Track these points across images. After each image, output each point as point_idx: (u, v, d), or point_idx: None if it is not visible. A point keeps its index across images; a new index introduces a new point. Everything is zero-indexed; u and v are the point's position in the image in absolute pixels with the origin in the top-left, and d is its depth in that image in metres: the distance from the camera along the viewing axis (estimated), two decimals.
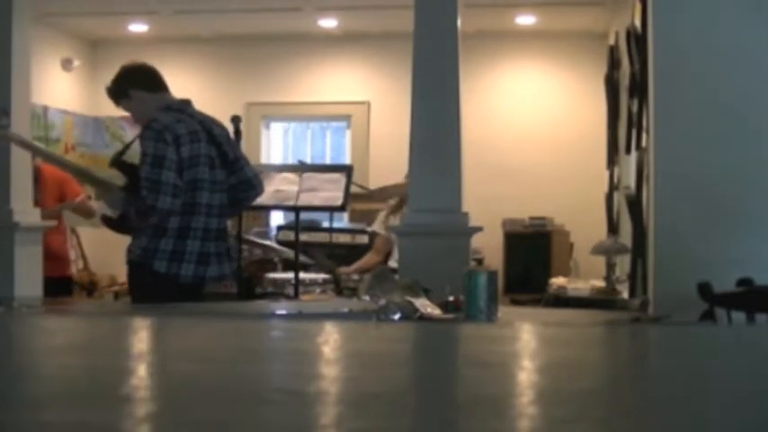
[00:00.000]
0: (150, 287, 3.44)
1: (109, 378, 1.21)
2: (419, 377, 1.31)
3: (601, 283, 5.37)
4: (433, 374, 1.31)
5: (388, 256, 5.38)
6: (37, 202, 5.29)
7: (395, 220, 5.22)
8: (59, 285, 5.53)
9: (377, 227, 5.60)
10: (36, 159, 5.26)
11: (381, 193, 5.63)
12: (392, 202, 5.57)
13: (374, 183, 6.93)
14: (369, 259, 5.45)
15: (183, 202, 3.43)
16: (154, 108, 3.52)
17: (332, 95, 8.32)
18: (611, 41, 6.82)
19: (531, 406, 1.08)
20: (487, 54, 7.84)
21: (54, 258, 5.48)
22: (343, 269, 5.33)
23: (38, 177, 5.34)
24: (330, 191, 4.61)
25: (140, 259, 3.44)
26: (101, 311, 3.13)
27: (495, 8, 7.32)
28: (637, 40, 5.03)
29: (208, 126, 3.57)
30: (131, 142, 3.64)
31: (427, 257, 4.10)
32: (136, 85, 3.59)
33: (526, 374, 1.32)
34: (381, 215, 5.60)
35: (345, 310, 2.65)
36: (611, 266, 5.30)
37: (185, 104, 3.60)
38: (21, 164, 4.95)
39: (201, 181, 3.49)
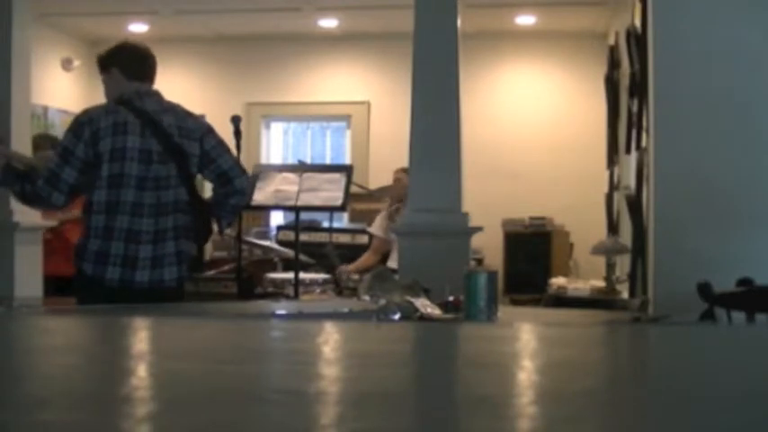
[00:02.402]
0: (81, 289, 3.30)
1: (109, 378, 1.21)
2: (419, 377, 1.30)
3: (601, 283, 5.37)
4: (433, 374, 1.31)
5: (386, 256, 5.38)
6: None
7: (393, 223, 5.21)
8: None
9: (374, 229, 5.61)
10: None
11: (381, 193, 5.63)
12: (387, 205, 5.57)
13: (374, 183, 6.93)
14: (366, 259, 5.46)
15: (108, 200, 3.21)
16: (117, 95, 3.37)
17: (332, 95, 8.32)
18: (611, 41, 6.82)
19: (531, 406, 1.08)
20: (487, 54, 7.84)
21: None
22: (343, 267, 5.34)
23: None
24: (330, 191, 4.61)
25: (75, 260, 3.31)
26: (100, 311, 3.12)
27: (495, 8, 7.32)
28: (637, 40, 5.03)
29: (155, 117, 3.30)
30: None
31: (427, 257, 4.10)
32: (117, 64, 3.43)
33: (526, 374, 1.32)
34: (379, 219, 5.60)
35: (345, 310, 2.64)
36: (611, 266, 5.31)
37: (140, 95, 3.36)
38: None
39: (127, 177, 3.22)
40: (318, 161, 8.41)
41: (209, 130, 3.45)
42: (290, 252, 5.27)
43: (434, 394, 1.14)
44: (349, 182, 4.66)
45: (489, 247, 7.10)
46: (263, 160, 8.29)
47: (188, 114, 3.43)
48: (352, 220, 7.41)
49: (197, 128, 3.40)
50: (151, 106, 3.34)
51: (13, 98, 4.88)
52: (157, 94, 3.42)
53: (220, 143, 3.45)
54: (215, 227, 3.52)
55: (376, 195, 6.01)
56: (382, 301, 2.45)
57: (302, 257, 5.01)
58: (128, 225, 3.22)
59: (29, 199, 3.37)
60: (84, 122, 3.29)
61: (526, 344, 1.77)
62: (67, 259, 5.49)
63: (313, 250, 5.73)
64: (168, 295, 3.25)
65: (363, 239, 6.07)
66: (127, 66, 3.42)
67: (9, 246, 4.85)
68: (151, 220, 3.24)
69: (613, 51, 6.59)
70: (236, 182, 3.42)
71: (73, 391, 1.14)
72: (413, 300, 2.45)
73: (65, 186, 3.25)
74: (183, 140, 3.33)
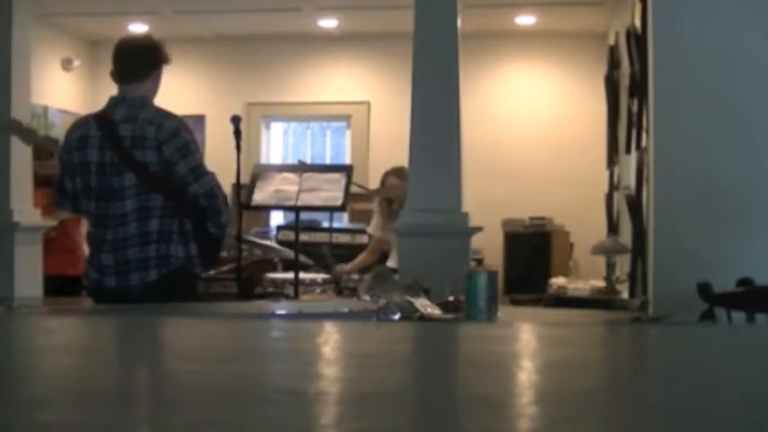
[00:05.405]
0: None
1: (109, 378, 1.21)
2: (419, 377, 1.30)
3: (601, 283, 5.37)
4: (433, 374, 1.30)
5: (384, 256, 5.38)
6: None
7: (389, 223, 5.20)
8: (73, 284, 5.57)
9: (372, 229, 5.61)
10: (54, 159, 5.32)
11: (381, 194, 5.63)
12: (378, 205, 5.55)
13: (374, 183, 6.91)
14: (363, 258, 5.45)
15: (86, 210, 3.39)
16: None
17: (332, 95, 8.32)
18: (611, 41, 6.82)
19: (531, 406, 1.08)
20: (487, 54, 7.84)
21: (76, 257, 5.54)
22: (339, 267, 5.33)
23: None
24: (330, 191, 4.61)
25: None
26: (100, 312, 3.13)
27: (495, 8, 7.32)
28: (637, 40, 5.03)
29: (116, 128, 3.29)
30: None
31: (427, 257, 4.10)
32: (111, 70, 3.44)
33: (526, 374, 1.32)
34: (375, 218, 5.60)
35: (345, 310, 2.64)
36: (611, 266, 5.30)
37: (117, 102, 3.36)
38: (21, 164, 4.95)
39: (92, 189, 3.33)
40: (318, 161, 8.40)
41: (174, 135, 3.29)
42: (290, 252, 5.26)
43: (434, 394, 1.14)
44: (349, 182, 4.65)
45: (489, 247, 7.09)
46: (263, 160, 8.29)
47: (150, 121, 3.29)
48: (352, 220, 7.41)
49: (155, 135, 3.26)
50: (118, 114, 3.32)
51: (13, 98, 4.88)
52: (132, 100, 3.34)
53: (180, 149, 3.29)
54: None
55: (375, 195, 6.00)
56: (382, 301, 2.45)
57: (302, 257, 5.01)
58: (95, 234, 3.37)
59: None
60: (66, 134, 3.46)
61: (526, 344, 1.77)
62: (69, 258, 5.53)
63: (311, 251, 5.73)
64: (134, 299, 3.27)
65: (363, 239, 6.07)
66: (113, 70, 3.42)
67: (9, 246, 4.85)
68: (112, 230, 3.30)
69: (613, 51, 6.59)
70: (189, 189, 3.30)
71: (73, 391, 1.14)
72: (413, 300, 2.45)
73: (68, 194, 3.43)
74: (137, 150, 3.26)
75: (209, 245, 3.47)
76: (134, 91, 3.37)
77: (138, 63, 3.41)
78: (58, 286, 5.29)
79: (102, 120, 3.35)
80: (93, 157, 3.31)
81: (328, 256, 5.43)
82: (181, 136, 3.32)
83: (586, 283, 5.58)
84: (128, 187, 3.28)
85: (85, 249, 5.97)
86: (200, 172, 3.33)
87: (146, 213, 3.29)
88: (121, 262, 3.30)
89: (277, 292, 4.95)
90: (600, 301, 5.14)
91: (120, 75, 3.40)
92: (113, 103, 3.38)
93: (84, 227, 5.83)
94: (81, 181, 3.35)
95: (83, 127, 3.39)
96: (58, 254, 5.30)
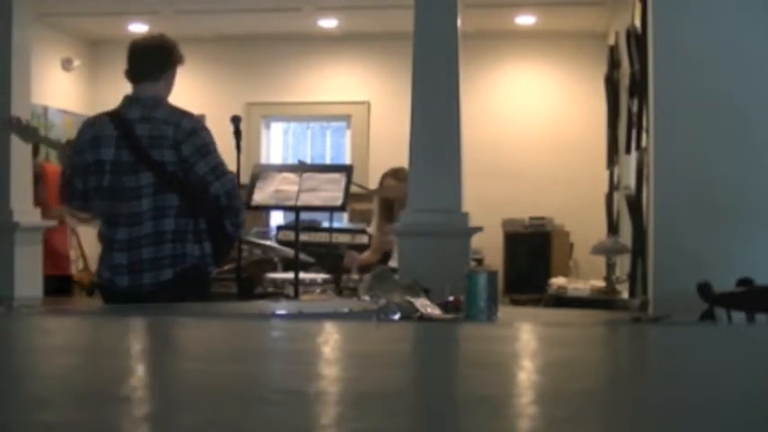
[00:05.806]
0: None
1: (109, 378, 1.21)
2: (419, 377, 1.30)
3: (601, 283, 5.36)
4: (433, 374, 1.30)
5: (386, 256, 5.38)
6: (40, 202, 5.33)
7: (388, 224, 5.21)
8: (60, 284, 5.58)
9: (372, 229, 5.62)
10: (40, 158, 5.33)
11: (381, 193, 5.63)
12: (377, 206, 5.55)
13: (374, 183, 6.91)
14: (367, 257, 5.46)
15: (96, 210, 3.41)
16: None
17: (332, 95, 8.33)
18: (611, 41, 6.82)
19: (531, 406, 1.08)
20: (487, 54, 7.84)
21: (55, 257, 5.55)
22: (354, 253, 5.34)
23: (42, 177, 5.38)
24: (330, 191, 4.60)
25: None
26: (101, 311, 3.13)
27: (495, 8, 7.32)
28: (637, 40, 5.03)
29: (131, 127, 3.28)
30: None
31: (427, 257, 4.10)
32: (126, 69, 3.43)
33: (526, 374, 1.32)
34: (375, 219, 5.60)
35: (345, 310, 2.64)
36: (611, 266, 5.30)
37: (130, 101, 3.36)
38: (21, 164, 4.95)
39: (103, 189, 3.32)
40: (318, 161, 8.41)
41: (190, 135, 3.29)
42: (290, 252, 5.26)
43: (434, 394, 1.14)
44: (349, 182, 4.65)
45: (489, 247, 7.09)
46: (263, 160, 8.29)
47: (167, 121, 3.29)
48: (351, 220, 7.41)
49: (172, 134, 3.26)
50: (133, 114, 3.31)
51: (13, 98, 4.88)
52: (145, 100, 3.34)
53: (199, 149, 3.30)
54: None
55: (374, 195, 6.00)
56: (382, 301, 2.45)
57: (302, 257, 5.00)
58: (106, 234, 3.36)
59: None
60: (78, 134, 3.44)
61: (526, 344, 1.77)
62: (52, 260, 5.52)
63: (314, 251, 5.73)
64: (147, 299, 3.24)
65: (363, 239, 6.07)
66: (127, 70, 3.41)
67: (9, 246, 4.85)
68: (126, 230, 3.29)
69: (613, 51, 6.59)
70: (210, 189, 3.30)
71: (73, 391, 1.14)
72: (413, 300, 2.45)
73: (78, 192, 3.41)
74: (154, 150, 3.26)
75: (223, 243, 3.47)
76: (147, 90, 3.37)
77: (151, 63, 3.40)
78: (50, 286, 5.31)
79: (116, 119, 3.33)
80: (108, 155, 3.29)
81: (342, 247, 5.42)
82: (199, 135, 3.32)
83: (586, 283, 5.58)
84: (144, 186, 3.26)
85: (72, 250, 6.01)
86: (220, 171, 3.35)
87: (161, 213, 3.28)
88: (136, 261, 3.28)
89: (277, 292, 4.95)
90: (600, 301, 5.14)
91: (133, 74, 3.39)
92: (127, 102, 3.37)
93: (69, 227, 5.87)
94: (94, 180, 3.33)
95: (94, 126, 3.37)
96: (44, 255, 5.30)
